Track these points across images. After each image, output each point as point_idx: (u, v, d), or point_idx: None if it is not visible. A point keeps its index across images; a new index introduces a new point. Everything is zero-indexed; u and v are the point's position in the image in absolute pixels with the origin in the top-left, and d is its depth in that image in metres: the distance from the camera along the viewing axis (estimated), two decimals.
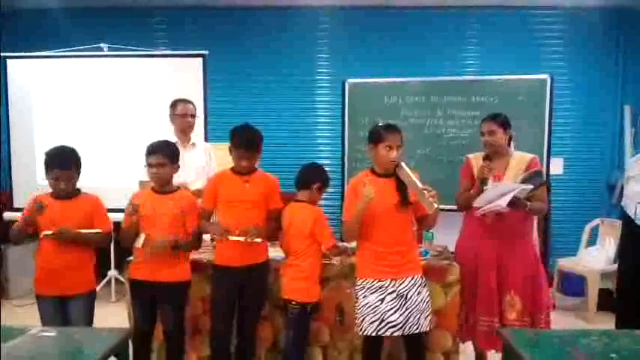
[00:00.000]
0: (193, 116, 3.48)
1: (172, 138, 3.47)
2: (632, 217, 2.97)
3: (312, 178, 2.74)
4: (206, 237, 2.89)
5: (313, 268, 2.68)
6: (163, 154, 2.62)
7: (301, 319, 2.66)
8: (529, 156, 2.86)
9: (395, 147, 2.43)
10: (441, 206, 2.49)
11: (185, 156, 3.41)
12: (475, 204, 2.71)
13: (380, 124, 2.54)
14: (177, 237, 2.57)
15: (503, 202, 2.56)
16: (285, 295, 2.68)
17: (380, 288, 2.45)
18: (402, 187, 2.45)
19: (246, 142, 2.61)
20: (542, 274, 2.87)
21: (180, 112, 3.43)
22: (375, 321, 2.43)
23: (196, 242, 2.71)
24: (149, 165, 2.62)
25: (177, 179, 2.78)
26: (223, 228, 2.56)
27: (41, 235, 2.52)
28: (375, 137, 2.47)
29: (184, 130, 3.44)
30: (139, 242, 2.58)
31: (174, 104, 3.46)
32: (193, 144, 3.47)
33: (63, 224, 2.50)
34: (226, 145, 2.70)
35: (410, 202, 2.46)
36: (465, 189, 2.90)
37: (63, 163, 2.56)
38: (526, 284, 2.78)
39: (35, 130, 4.72)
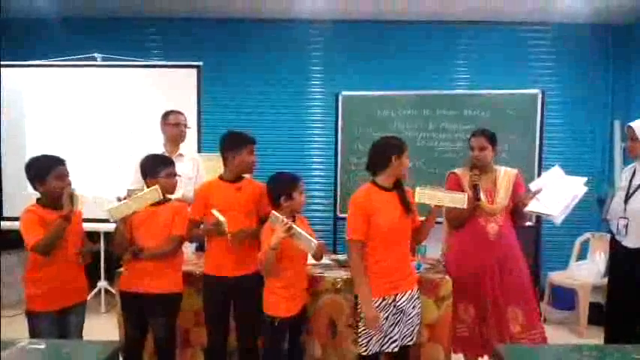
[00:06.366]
0: (185, 126, 3.52)
1: (161, 149, 3.47)
2: (614, 232, 3.00)
3: (273, 195, 2.54)
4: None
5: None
6: (174, 165, 2.73)
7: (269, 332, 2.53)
8: (513, 171, 2.91)
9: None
10: None
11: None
12: (528, 209, 2.76)
13: (395, 137, 2.59)
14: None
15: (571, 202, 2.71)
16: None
17: (385, 306, 2.43)
18: (403, 198, 2.46)
19: (250, 137, 2.69)
20: (533, 288, 2.89)
21: (173, 122, 3.45)
22: (380, 339, 2.43)
23: (173, 249, 2.64)
24: (169, 175, 2.64)
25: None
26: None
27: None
28: (400, 148, 2.47)
29: (175, 139, 3.45)
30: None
31: (166, 115, 3.48)
32: (181, 154, 3.46)
33: (74, 234, 2.53)
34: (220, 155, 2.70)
35: (412, 210, 2.49)
36: None
37: (62, 160, 2.54)
38: (524, 297, 2.80)
39: (27, 139, 4.68)
